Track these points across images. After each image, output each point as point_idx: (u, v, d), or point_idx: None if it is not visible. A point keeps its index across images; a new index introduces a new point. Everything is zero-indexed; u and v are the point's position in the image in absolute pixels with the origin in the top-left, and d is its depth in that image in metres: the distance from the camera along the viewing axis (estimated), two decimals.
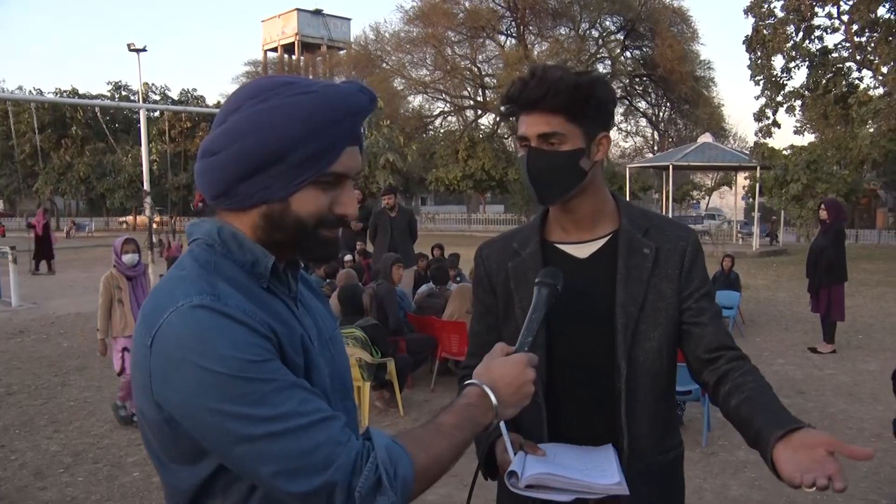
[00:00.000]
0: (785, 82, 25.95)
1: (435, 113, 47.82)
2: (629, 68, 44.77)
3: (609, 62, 43.50)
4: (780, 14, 24.96)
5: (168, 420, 1.06)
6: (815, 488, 1.23)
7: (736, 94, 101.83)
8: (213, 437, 1.03)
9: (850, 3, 23.25)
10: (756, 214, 25.31)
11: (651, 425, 1.65)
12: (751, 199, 28.25)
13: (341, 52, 54.51)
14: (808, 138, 28.45)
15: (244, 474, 1.06)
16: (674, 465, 1.74)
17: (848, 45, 24.99)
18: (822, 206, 8.71)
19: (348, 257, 10.09)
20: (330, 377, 1.21)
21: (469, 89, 46.06)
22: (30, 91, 44.74)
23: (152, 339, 1.05)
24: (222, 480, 1.12)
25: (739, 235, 29.01)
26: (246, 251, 1.15)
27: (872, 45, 23.46)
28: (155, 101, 45.48)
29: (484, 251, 1.85)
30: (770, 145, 24.29)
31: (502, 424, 1.44)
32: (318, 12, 60.79)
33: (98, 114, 21.70)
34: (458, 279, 9.14)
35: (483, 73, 44.96)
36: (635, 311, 1.63)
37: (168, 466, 1.15)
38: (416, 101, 47.75)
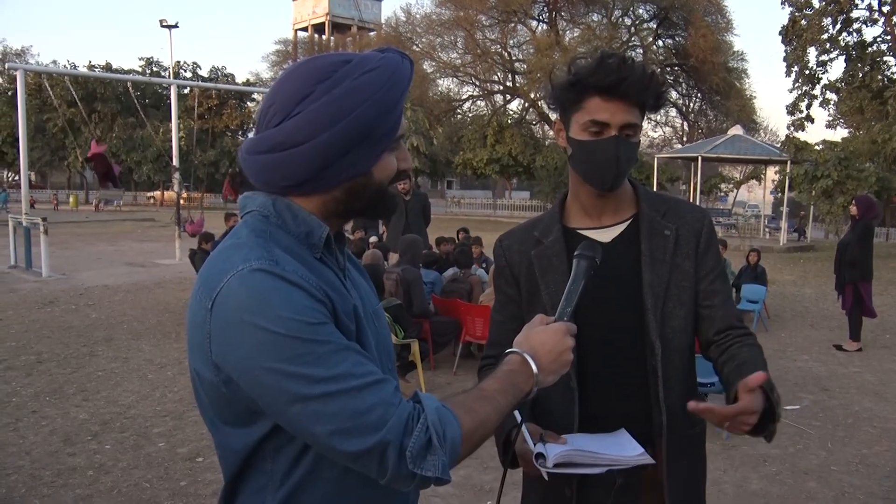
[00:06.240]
0: (820, 75, 25.57)
1: (464, 97, 47.69)
2: (661, 57, 44.22)
3: (641, 51, 42.99)
4: (817, 5, 24.56)
5: (226, 381, 1.10)
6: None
7: (768, 87, 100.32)
8: (269, 397, 1.06)
9: None
10: (785, 209, 24.94)
11: (682, 400, 1.70)
12: (780, 194, 27.89)
13: (371, 34, 54.41)
14: (840, 133, 28.07)
15: (299, 434, 1.10)
16: (700, 438, 1.82)
17: (888, 38, 24.53)
18: (853, 201, 8.59)
19: (373, 238, 10.16)
20: (376, 349, 1.24)
21: (499, 74, 45.81)
22: (63, 65, 45.29)
23: (213, 302, 1.08)
24: (274, 443, 1.16)
25: (767, 230, 28.71)
26: (300, 222, 1.19)
27: None
28: (186, 78, 45.75)
29: (504, 242, 1.88)
30: (802, 139, 23.91)
31: (517, 415, 1.46)
32: None
33: (130, 89, 21.84)
34: (483, 263, 9.12)
35: (513, 58, 44.69)
36: (662, 291, 1.68)
37: (221, 428, 1.19)
38: (444, 84, 47.67)
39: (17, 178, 49.21)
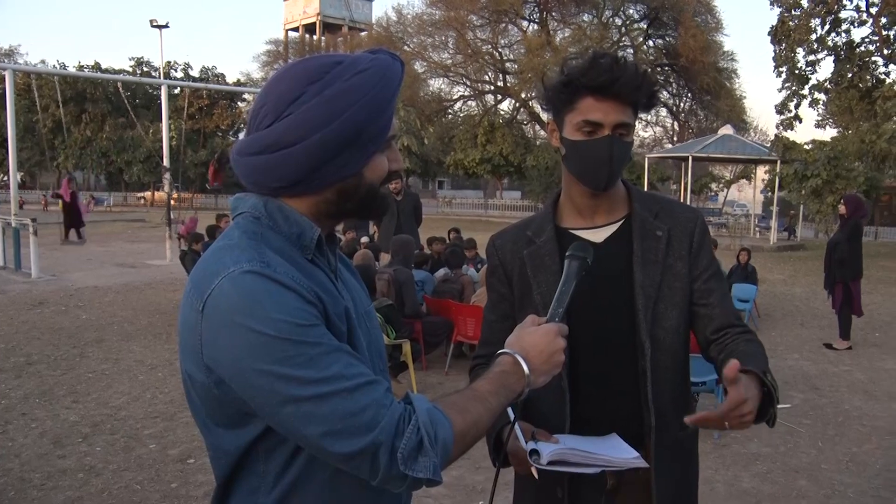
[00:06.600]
0: (809, 75, 25.69)
1: (455, 97, 47.69)
2: (651, 57, 44.31)
3: (631, 51, 43.05)
4: (805, 5, 24.69)
5: (217, 383, 1.10)
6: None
7: (758, 87, 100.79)
8: (261, 399, 1.06)
9: None
10: (775, 208, 25.03)
11: (673, 401, 1.71)
12: (770, 193, 28.01)
13: (362, 34, 54.33)
14: (829, 132, 28.26)
15: (291, 435, 1.10)
16: (692, 440, 1.81)
17: (875, 38, 24.68)
18: (842, 200, 8.65)
19: (365, 239, 10.15)
20: (367, 350, 1.24)
21: (490, 74, 45.82)
22: (53, 65, 45.08)
23: (204, 304, 1.08)
24: (266, 444, 1.16)
25: (757, 229, 28.82)
26: (292, 224, 1.19)
27: None
28: (176, 78, 45.62)
29: (497, 241, 1.88)
30: (791, 138, 24.04)
31: (510, 413, 1.47)
32: None
33: (120, 89, 21.77)
34: (479, 265, 9.12)
35: (504, 58, 44.70)
36: (654, 292, 1.68)
37: (214, 430, 1.19)
38: (436, 84, 47.65)
39: (5, 178, 48.96)
